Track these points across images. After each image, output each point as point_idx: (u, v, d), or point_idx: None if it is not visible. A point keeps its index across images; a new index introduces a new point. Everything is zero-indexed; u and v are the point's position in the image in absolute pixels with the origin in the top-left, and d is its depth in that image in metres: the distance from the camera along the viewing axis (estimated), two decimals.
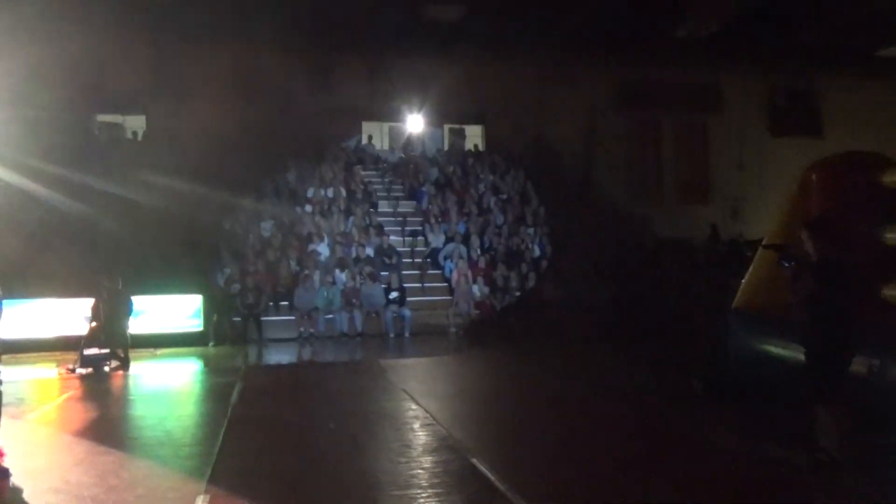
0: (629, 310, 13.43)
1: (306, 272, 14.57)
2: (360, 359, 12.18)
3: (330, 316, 14.06)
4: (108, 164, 17.25)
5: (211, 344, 13.30)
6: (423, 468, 5.64)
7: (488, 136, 22.88)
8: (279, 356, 12.53)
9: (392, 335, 14.09)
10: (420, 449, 6.20)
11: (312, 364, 11.93)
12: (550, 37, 19.76)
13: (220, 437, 6.54)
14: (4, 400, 5.72)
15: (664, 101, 22.68)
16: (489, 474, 5.37)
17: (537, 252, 16.60)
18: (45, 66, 18.06)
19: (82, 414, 8.18)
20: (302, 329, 13.94)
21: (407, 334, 14.09)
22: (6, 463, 5.39)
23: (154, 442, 6.61)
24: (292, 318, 14.05)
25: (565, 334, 13.02)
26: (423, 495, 4.99)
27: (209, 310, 13.58)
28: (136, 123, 21.57)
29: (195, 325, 13.61)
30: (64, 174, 15.41)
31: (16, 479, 5.26)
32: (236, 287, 13.89)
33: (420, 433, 6.73)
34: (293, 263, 15.14)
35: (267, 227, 16.28)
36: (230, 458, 5.89)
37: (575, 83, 22.70)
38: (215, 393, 9.25)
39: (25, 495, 5.00)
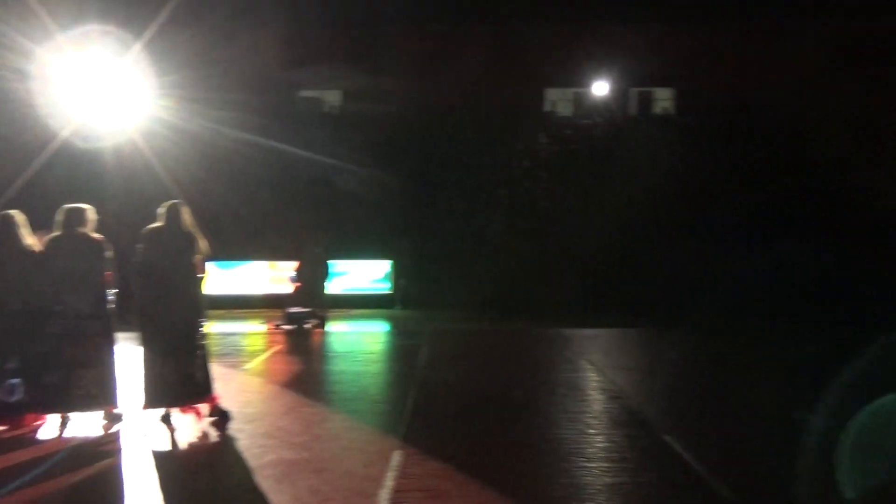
0: (854, 287, 12.17)
1: None
2: (541, 327, 12.12)
3: None
4: (307, 139, 18.43)
5: (398, 307, 13.92)
6: (612, 441, 5.48)
7: (680, 100, 21.62)
8: (463, 322, 12.80)
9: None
10: (608, 421, 6.04)
11: (494, 331, 12.07)
12: None
13: (411, 398, 6.79)
14: (223, 350, 6.35)
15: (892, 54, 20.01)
16: (684, 454, 5.10)
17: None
18: (253, 51, 19.63)
19: (288, 367, 8.88)
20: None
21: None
22: (227, 406, 5.94)
23: (351, 397, 7.01)
24: None
25: (769, 310, 12.10)
26: (614, 469, 4.84)
27: (397, 274, 14.19)
28: (332, 98, 22.87)
29: (384, 288, 14.30)
30: (268, 150, 16.72)
31: (235, 424, 5.80)
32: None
33: (608, 405, 6.57)
34: None
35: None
36: (421, 419, 6.10)
37: (787, 37, 20.68)
38: (404, 354, 9.66)
39: (243, 439, 5.49)
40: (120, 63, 13.52)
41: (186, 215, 5.80)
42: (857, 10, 19.09)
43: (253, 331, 11.47)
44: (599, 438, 5.55)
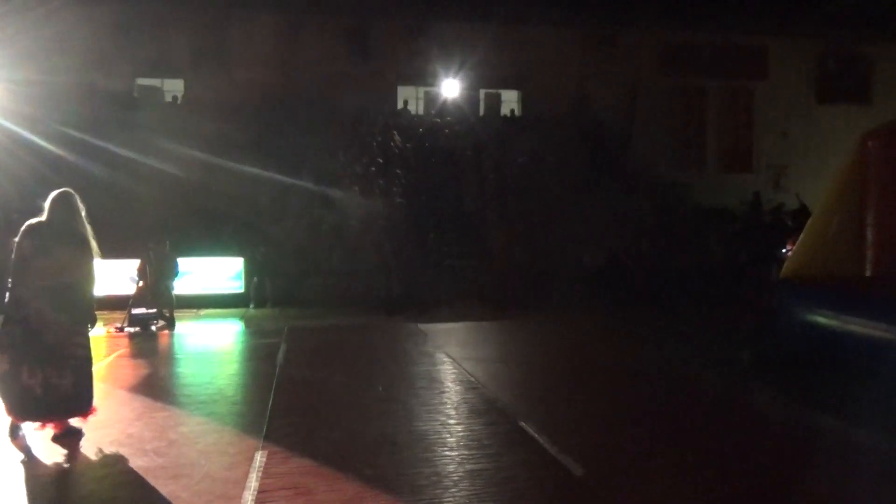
0: (670, 278, 13.31)
1: None
2: (397, 322, 12.25)
3: None
4: (148, 128, 17.43)
5: (252, 306, 13.53)
6: (472, 430, 5.71)
7: (525, 102, 22.63)
8: (319, 319, 12.66)
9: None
10: (467, 411, 6.27)
11: (353, 327, 12.05)
12: None
13: (271, 397, 6.68)
14: None
15: (708, 65, 22.23)
16: (538, 437, 5.42)
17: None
18: (83, 29, 18.28)
19: (134, 371, 8.38)
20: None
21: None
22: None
23: (207, 399, 6.77)
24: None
25: (604, 302, 12.98)
26: (475, 456, 5.06)
27: (250, 272, 13.78)
28: (175, 87, 21.71)
29: (236, 287, 13.84)
30: (107, 137, 15.67)
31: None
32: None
33: (467, 396, 6.81)
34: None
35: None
36: (283, 417, 6.02)
37: (616, 46, 22.33)
38: (261, 353, 9.42)
39: (89, 448, 5.16)
40: None
41: (77, 209, 5.31)
42: (677, 22, 20.98)
43: (91, 334, 10.67)
44: (459, 428, 5.76)
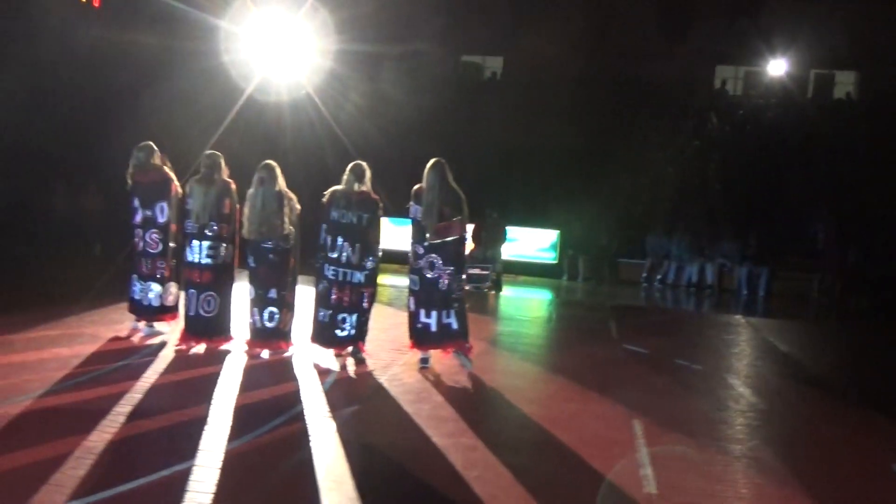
0: None
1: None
2: (721, 313, 11.94)
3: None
4: (467, 102, 18.77)
5: (565, 278, 14.12)
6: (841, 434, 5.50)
7: (864, 84, 20.33)
8: (636, 299, 12.80)
9: (745, 292, 13.61)
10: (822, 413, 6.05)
11: (676, 312, 12.02)
12: None
13: (623, 369, 7.02)
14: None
15: None
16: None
17: None
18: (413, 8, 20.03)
19: (482, 325, 9.24)
20: (645, 274, 14.20)
21: (762, 293, 13.50)
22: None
23: (561, 363, 7.32)
24: (642, 262, 14.29)
25: None
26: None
27: (565, 246, 14.36)
28: (494, 64, 23.12)
29: (549, 258, 14.52)
30: (435, 110, 17.18)
31: (464, 377, 6.22)
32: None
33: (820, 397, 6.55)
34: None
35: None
36: (641, 392, 6.24)
37: None
38: (591, 326, 9.81)
39: (482, 386, 5.93)
40: (291, 18, 13.89)
41: (448, 175, 6.15)
42: None
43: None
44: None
